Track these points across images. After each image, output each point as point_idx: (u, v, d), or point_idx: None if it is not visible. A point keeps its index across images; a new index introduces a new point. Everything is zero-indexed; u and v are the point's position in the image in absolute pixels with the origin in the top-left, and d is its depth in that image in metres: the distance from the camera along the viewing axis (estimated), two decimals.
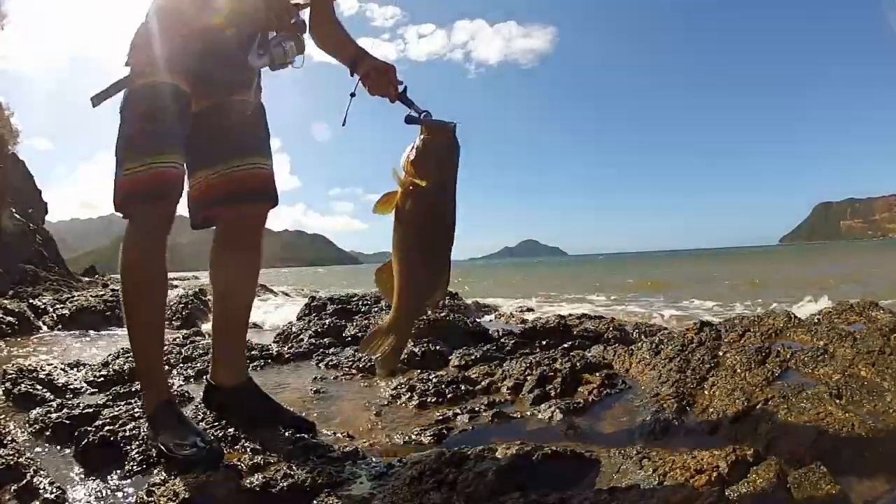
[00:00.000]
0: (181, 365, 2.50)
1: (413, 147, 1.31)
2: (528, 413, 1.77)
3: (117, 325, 4.81)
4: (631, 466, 1.24)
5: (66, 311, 4.88)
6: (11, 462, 1.33)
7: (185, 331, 3.77)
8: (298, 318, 3.84)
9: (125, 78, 1.48)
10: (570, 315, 3.75)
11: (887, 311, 2.16)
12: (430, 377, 2.08)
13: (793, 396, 1.51)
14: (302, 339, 3.03)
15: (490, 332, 3.00)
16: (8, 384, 2.03)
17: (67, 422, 1.64)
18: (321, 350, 2.79)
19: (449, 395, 1.94)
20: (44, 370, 2.19)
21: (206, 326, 4.03)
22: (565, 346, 2.57)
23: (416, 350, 2.47)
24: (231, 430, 1.55)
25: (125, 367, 2.32)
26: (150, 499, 1.19)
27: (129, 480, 1.34)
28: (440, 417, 1.75)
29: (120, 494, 1.29)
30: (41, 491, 1.26)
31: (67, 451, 1.51)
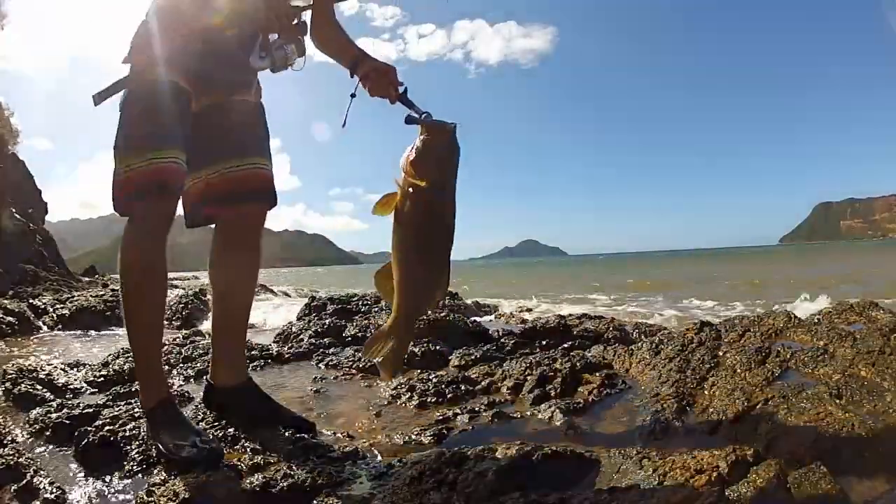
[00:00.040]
0: (181, 365, 2.50)
1: (413, 147, 1.31)
2: (528, 413, 1.77)
3: (117, 325, 4.81)
4: (631, 466, 1.24)
5: (66, 311, 4.89)
6: (11, 462, 1.33)
7: (185, 331, 3.77)
8: (298, 318, 3.84)
9: (126, 77, 1.48)
10: (570, 315, 3.75)
11: (887, 311, 2.17)
12: (430, 377, 2.08)
13: (793, 396, 1.51)
14: (302, 339, 3.02)
15: (490, 332, 3.00)
16: (8, 384, 2.03)
17: (67, 422, 1.63)
18: (321, 350, 2.79)
19: (449, 395, 1.94)
20: (44, 370, 2.19)
21: (206, 326, 4.04)
22: (565, 346, 2.57)
23: (416, 350, 2.47)
24: (231, 430, 1.55)
25: (125, 367, 2.31)
26: (150, 499, 1.19)
27: (129, 480, 1.34)
28: (440, 417, 1.75)
29: (120, 494, 1.29)
30: (41, 491, 1.26)
31: (67, 451, 1.51)
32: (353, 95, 1.54)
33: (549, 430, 1.62)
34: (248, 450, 1.44)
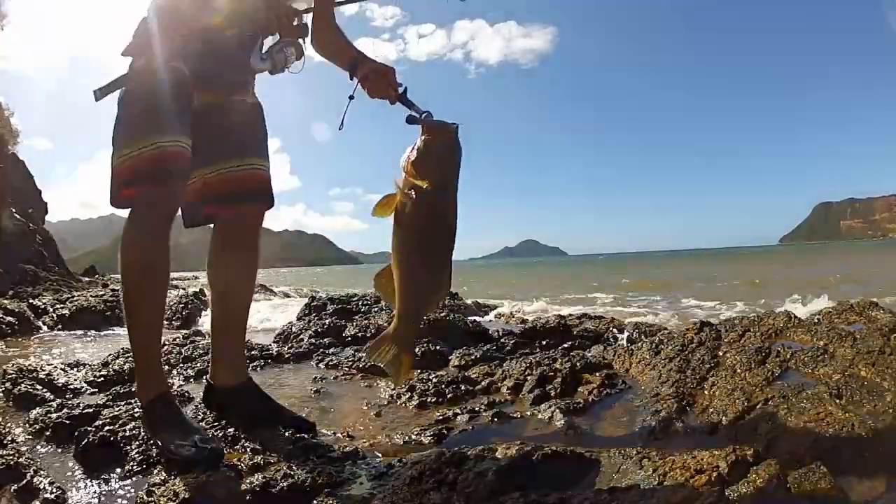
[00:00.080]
0: (181, 365, 2.50)
1: (414, 148, 1.29)
2: (528, 413, 1.77)
3: (117, 325, 4.82)
4: (631, 466, 1.24)
5: (66, 311, 4.89)
6: (11, 462, 1.33)
7: (185, 331, 3.78)
8: (298, 318, 3.84)
9: (127, 73, 1.47)
10: (570, 315, 3.75)
11: (887, 311, 2.17)
12: (430, 377, 2.08)
13: (793, 396, 1.51)
14: (302, 339, 3.03)
15: (490, 332, 3.00)
16: (8, 384, 2.03)
17: (67, 422, 1.63)
18: (321, 350, 2.79)
19: (449, 395, 1.94)
20: (44, 370, 2.19)
21: (206, 325, 4.03)
22: (565, 346, 2.57)
23: (416, 350, 2.47)
24: (231, 430, 1.55)
25: (125, 367, 2.31)
26: (150, 499, 1.19)
27: (129, 480, 1.34)
28: (440, 417, 1.75)
29: (120, 494, 1.29)
30: (41, 491, 1.26)
31: (67, 451, 1.51)
32: (351, 97, 1.54)
33: (549, 430, 1.62)
34: (248, 450, 1.44)
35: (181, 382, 2.24)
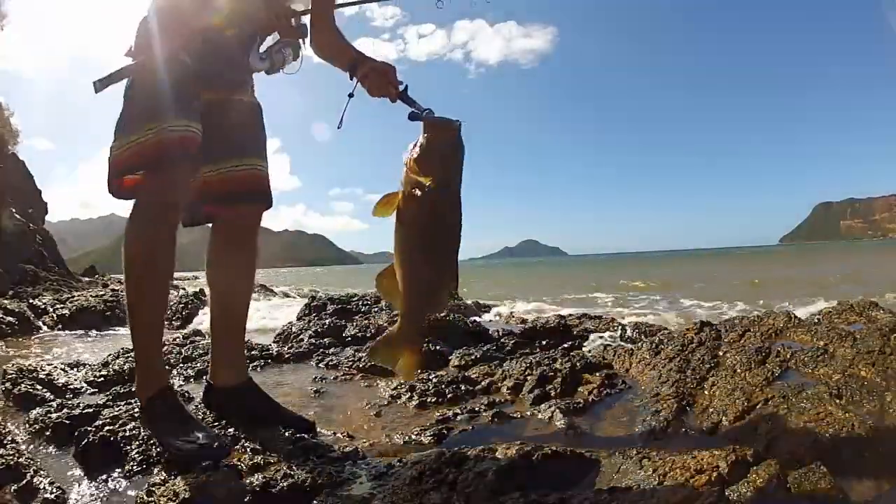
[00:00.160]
0: (181, 365, 2.50)
1: (417, 145, 1.27)
2: (528, 413, 1.77)
3: (118, 325, 4.82)
4: (631, 466, 1.24)
5: (66, 311, 4.89)
6: (11, 462, 1.33)
7: (185, 331, 3.78)
8: (298, 318, 3.84)
9: (130, 65, 1.45)
10: (570, 315, 3.75)
11: (887, 311, 2.17)
12: (430, 377, 2.08)
13: (793, 396, 1.51)
14: (302, 339, 3.03)
15: (490, 332, 3.00)
16: (8, 384, 2.03)
17: (67, 422, 1.63)
18: (321, 350, 2.79)
19: (449, 395, 1.94)
20: (44, 370, 2.19)
21: (202, 324, 4.04)
22: (565, 346, 2.57)
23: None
24: (231, 430, 1.55)
25: (125, 367, 2.31)
26: (150, 499, 1.19)
27: (129, 480, 1.33)
28: (440, 417, 1.75)
29: (120, 494, 1.29)
30: (41, 491, 1.26)
31: (67, 451, 1.51)
32: (350, 95, 1.53)
33: (549, 430, 1.62)
34: (248, 450, 1.44)
35: (181, 382, 2.24)
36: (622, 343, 2.85)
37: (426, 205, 1.25)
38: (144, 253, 1.43)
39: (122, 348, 2.57)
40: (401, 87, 1.46)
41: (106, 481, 1.34)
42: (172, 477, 1.26)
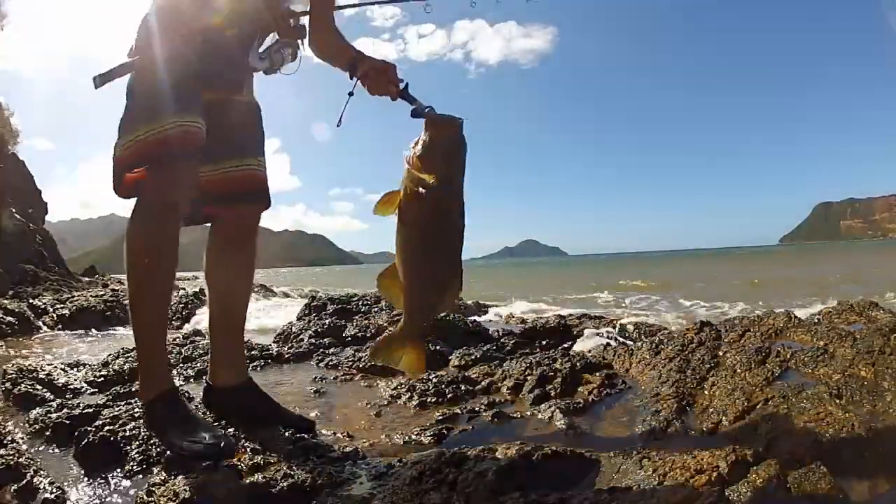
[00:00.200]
0: (181, 365, 2.50)
1: (420, 142, 1.26)
2: (528, 413, 1.77)
3: (118, 325, 4.82)
4: (631, 466, 1.24)
5: (66, 311, 4.89)
6: (11, 462, 1.33)
7: (185, 331, 3.78)
8: (298, 318, 3.84)
9: (131, 61, 1.44)
10: (570, 315, 3.75)
11: (887, 311, 2.17)
12: (430, 377, 2.08)
13: (793, 396, 1.51)
14: (302, 339, 3.03)
15: (490, 332, 3.00)
16: (8, 384, 2.03)
17: (67, 422, 1.63)
18: (321, 350, 2.79)
19: (449, 395, 1.94)
20: (44, 370, 2.19)
21: (200, 323, 4.03)
22: (565, 346, 2.57)
23: None
24: (231, 430, 1.55)
25: (125, 367, 2.32)
26: (150, 499, 1.18)
27: (129, 480, 1.33)
28: (440, 417, 1.75)
29: (120, 494, 1.29)
30: (41, 491, 1.26)
31: (67, 451, 1.51)
32: (350, 94, 1.53)
33: (549, 430, 1.62)
34: (248, 450, 1.43)
35: (181, 382, 2.24)
36: (618, 337, 2.85)
37: (429, 202, 1.24)
38: (146, 252, 1.41)
39: (122, 348, 2.58)
40: (401, 85, 1.46)
41: (106, 481, 1.34)
42: (172, 477, 1.26)
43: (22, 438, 1.61)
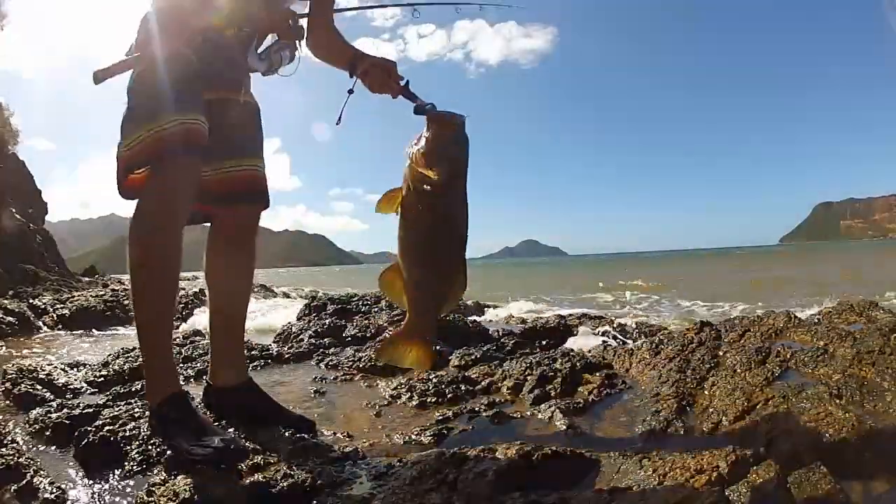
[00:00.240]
0: (181, 365, 2.50)
1: (423, 138, 1.25)
2: (528, 413, 1.77)
3: (118, 325, 4.82)
4: (631, 466, 1.24)
5: (66, 311, 4.89)
6: (11, 462, 1.33)
7: (184, 331, 3.77)
8: (298, 318, 3.84)
9: (131, 57, 1.43)
10: (570, 315, 3.75)
11: (887, 311, 2.17)
12: (430, 377, 2.08)
13: (793, 396, 1.51)
14: (302, 339, 3.02)
15: (490, 332, 3.00)
16: (8, 384, 2.03)
17: (67, 422, 1.63)
18: (321, 350, 2.79)
19: (449, 395, 1.94)
20: (44, 370, 2.19)
21: (199, 324, 4.03)
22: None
23: None
24: (231, 430, 1.55)
25: (125, 367, 2.32)
26: (150, 499, 1.18)
27: (129, 480, 1.33)
28: (440, 417, 1.74)
29: (120, 494, 1.29)
30: (41, 491, 1.26)
31: (67, 451, 1.51)
32: (350, 91, 1.53)
33: (549, 431, 1.62)
34: (249, 450, 1.44)
35: (181, 382, 2.24)
36: (615, 334, 2.85)
37: (432, 198, 1.23)
38: (147, 254, 1.39)
39: (122, 348, 2.58)
40: (402, 82, 1.45)
41: (106, 481, 1.34)
42: (172, 477, 1.26)
43: (22, 438, 1.61)
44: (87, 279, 11.48)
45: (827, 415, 1.38)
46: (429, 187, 1.23)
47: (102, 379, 2.24)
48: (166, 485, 1.21)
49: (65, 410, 1.70)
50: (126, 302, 5.36)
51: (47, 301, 5.56)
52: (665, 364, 2.00)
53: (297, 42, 1.58)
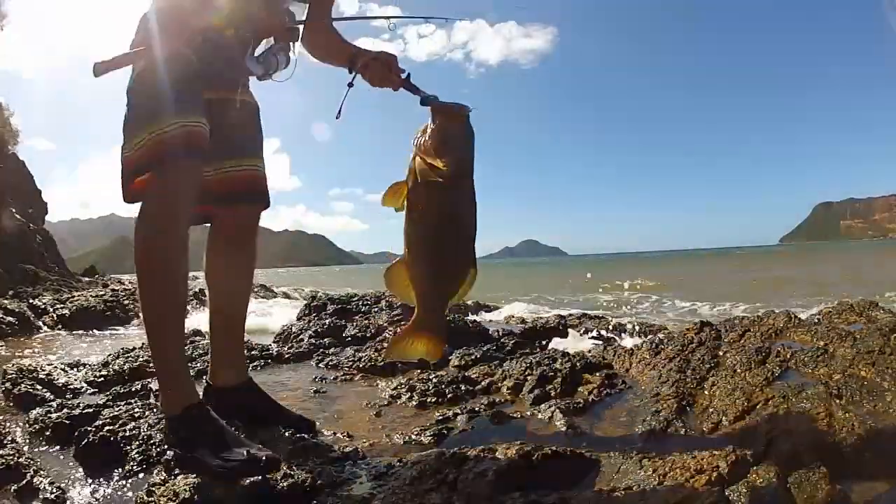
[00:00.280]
0: None
1: (429, 129, 1.24)
2: (528, 413, 1.77)
3: (118, 325, 4.82)
4: (631, 466, 1.24)
5: (66, 311, 4.89)
6: (11, 462, 1.33)
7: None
8: (298, 318, 3.84)
9: (132, 52, 1.42)
10: (571, 315, 3.75)
11: (887, 311, 2.17)
12: (430, 377, 2.08)
13: (793, 396, 1.51)
14: (302, 339, 3.03)
15: (490, 332, 3.00)
16: (8, 384, 2.03)
17: (67, 422, 1.63)
18: (321, 350, 2.79)
19: (449, 395, 1.94)
20: (44, 370, 2.19)
21: (198, 324, 4.02)
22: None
23: None
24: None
25: (125, 367, 2.32)
26: (150, 499, 1.18)
27: (129, 480, 1.34)
28: (440, 417, 1.74)
29: (120, 494, 1.29)
30: (41, 491, 1.26)
31: (67, 451, 1.51)
32: (350, 85, 1.52)
33: (549, 430, 1.62)
34: None
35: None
36: (602, 332, 2.85)
37: (440, 189, 1.21)
38: (149, 257, 1.37)
39: (122, 348, 2.58)
40: (403, 75, 1.44)
41: (106, 481, 1.34)
42: (172, 477, 1.26)
43: (22, 438, 1.62)
44: (87, 279, 11.47)
45: (827, 415, 1.38)
46: (436, 177, 1.21)
47: (102, 379, 2.24)
48: (166, 485, 1.21)
49: (65, 410, 1.70)
50: (126, 302, 5.36)
51: (47, 301, 5.56)
52: (665, 364, 2.00)
53: (292, 45, 1.57)
